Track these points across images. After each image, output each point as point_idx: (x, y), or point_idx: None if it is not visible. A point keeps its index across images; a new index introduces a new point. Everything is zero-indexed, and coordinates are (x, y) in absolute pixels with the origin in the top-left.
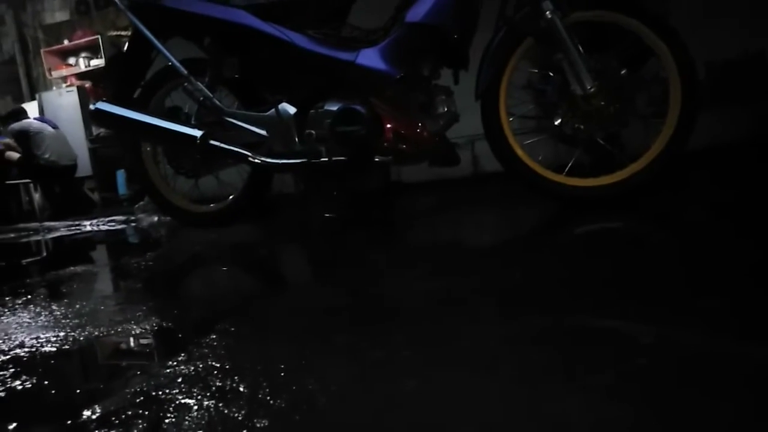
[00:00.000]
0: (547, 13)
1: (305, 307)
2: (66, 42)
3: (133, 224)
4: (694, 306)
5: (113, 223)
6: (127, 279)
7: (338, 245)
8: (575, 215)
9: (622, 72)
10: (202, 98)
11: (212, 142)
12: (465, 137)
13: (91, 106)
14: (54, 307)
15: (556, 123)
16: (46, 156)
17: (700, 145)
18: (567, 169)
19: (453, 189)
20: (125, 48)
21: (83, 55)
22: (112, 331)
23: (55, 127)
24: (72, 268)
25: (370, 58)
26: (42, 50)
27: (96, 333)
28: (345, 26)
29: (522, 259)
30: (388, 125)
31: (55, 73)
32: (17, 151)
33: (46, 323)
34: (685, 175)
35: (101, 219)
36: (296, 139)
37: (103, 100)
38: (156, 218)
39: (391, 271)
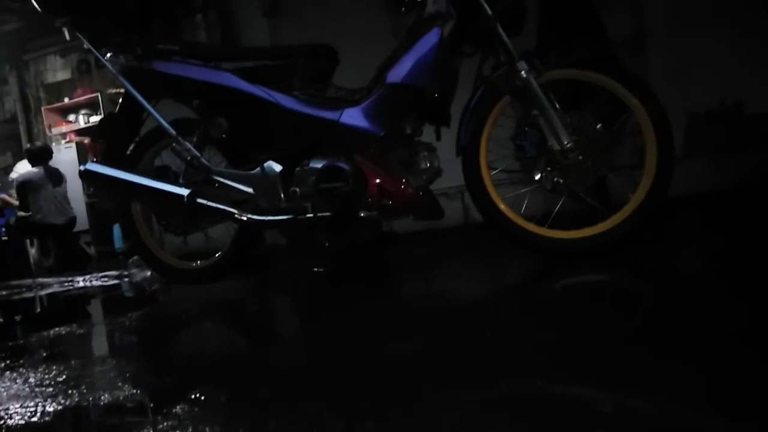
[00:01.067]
0: (522, 72)
1: (278, 371)
2: (66, 100)
3: (126, 279)
4: (658, 369)
5: (106, 279)
6: (109, 342)
7: (321, 302)
8: (557, 267)
9: (598, 127)
10: (189, 158)
11: (199, 200)
12: (455, 188)
13: (81, 167)
14: (30, 375)
15: (536, 177)
16: (39, 216)
17: (683, 192)
18: (549, 221)
19: (444, 239)
20: (117, 109)
21: (83, 112)
22: (83, 402)
23: (59, 180)
24: (57, 329)
25: (353, 117)
26: (43, 108)
27: (66, 403)
28: (330, 86)
29: (497, 318)
30: (372, 181)
31: (55, 130)
32: (12, 207)
33: (19, 392)
34: (669, 224)
35: (95, 274)
36: (282, 196)
37: (93, 161)
38: (149, 273)
39: (369, 330)
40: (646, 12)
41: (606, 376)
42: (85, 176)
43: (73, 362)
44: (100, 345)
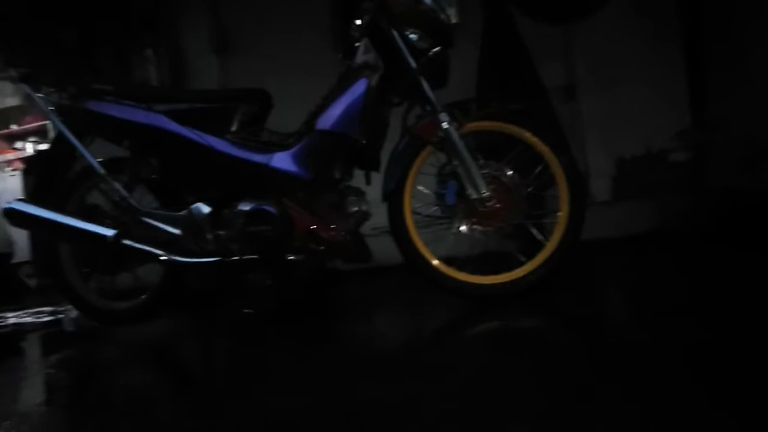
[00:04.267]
0: (444, 124)
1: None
2: (14, 126)
3: (61, 315)
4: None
5: (39, 315)
6: (16, 393)
7: (238, 348)
8: (475, 312)
9: (513, 175)
10: (117, 198)
11: (125, 241)
12: None
13: (5, 205)
14: None
15: (456, 224)
16: None
17: (611, 235)
18: (470, 266)
19: (385, 277)
20: (48, 147)
21: (31, 139)
22: None
23: None
24: None
25: (282, 161)
26: None
27: None
28: (263, 131)
29: (420, 365)
30: (300, 225)
31: (1, 157)
32: None
33: None
34: (598, 267)
35: (29, 310)
36: (209, 238)
37: (20, 200)
38: None
39: (276, 382)
40: (577, 64)
41: None
42: (9, 214)
43: None
44: (4, 399)
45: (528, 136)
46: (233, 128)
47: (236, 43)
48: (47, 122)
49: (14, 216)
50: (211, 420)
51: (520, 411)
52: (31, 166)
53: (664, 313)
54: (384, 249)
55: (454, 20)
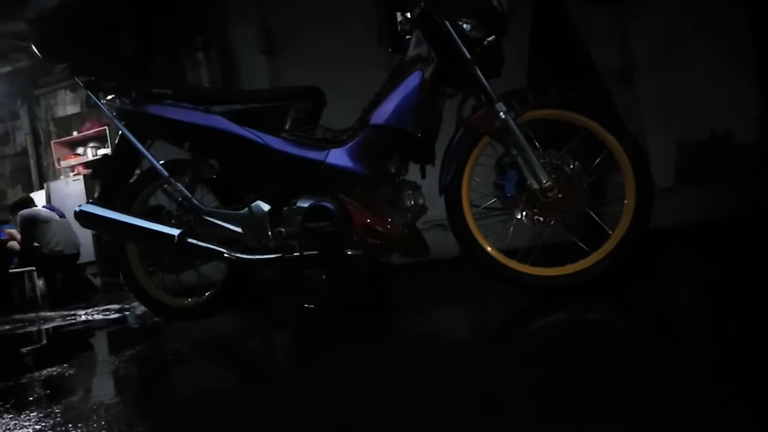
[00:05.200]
0: (501, 113)
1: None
2: (75, 133)
3: (127, 312)
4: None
5: (108, 312)
6: (90, 387)
7: (297, 345)
8: (536, 306)
9: (576, 165)
10: (180, 198)
11: (190, 240)
12: None
13: (76, 208)
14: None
15: (517, 216)
16: (51, 246)
17: (674, 222)
18: (531, 258)
19: (439, 270)
20: (113, 151)
21: (91, 144)
22: None
23: (62, 215)
24: (47, 369)
25: (338, 157)
26: (52, 141)
27: None
28: (318, 128)
29: (492, 358)
30: (357, 220)
31: (64, 163)
32: (18, 241)
33: None
34: (659, 255)
35: (97, 308)
36: (270, 235)
37: (89, 202)
38: None
39: (336, 378)
40: (633, 46)
41: None
42: (80, 216)
43: (45, 412)
44: (78, 393)
45: (590, 123)
46: (287, 126)
47: (283, 42)
48: (106, 128)
49: (85, 218)
50: (293, 411)
51: (608, 408)
52: (97, 170)
53: (736, 306)
54: (436, 242)
55: (506, 7)
